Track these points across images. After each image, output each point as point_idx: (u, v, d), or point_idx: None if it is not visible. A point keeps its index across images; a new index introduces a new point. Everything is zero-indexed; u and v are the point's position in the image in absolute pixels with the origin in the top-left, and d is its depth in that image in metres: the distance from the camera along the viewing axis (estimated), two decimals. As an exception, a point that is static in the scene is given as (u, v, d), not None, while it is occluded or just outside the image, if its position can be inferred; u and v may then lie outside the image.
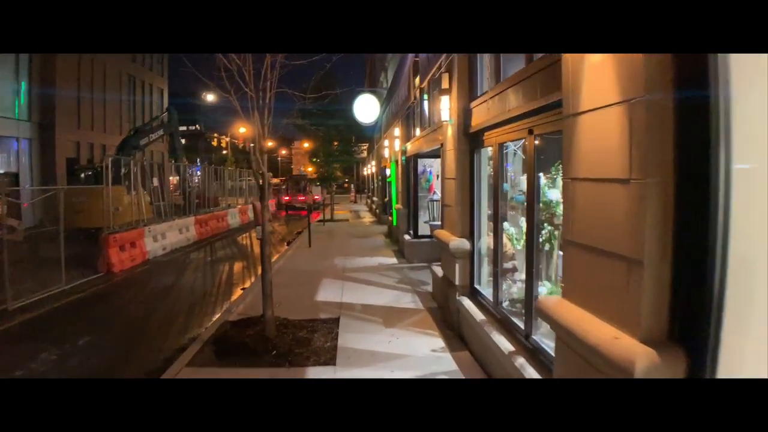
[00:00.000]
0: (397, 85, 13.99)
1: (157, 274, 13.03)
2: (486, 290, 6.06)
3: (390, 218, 16.44)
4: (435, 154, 11.93)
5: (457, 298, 6.31)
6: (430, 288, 9.20)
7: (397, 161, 14.70)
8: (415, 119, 12.28)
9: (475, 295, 6.18)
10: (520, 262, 6.14)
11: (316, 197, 34.71)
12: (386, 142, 17.50)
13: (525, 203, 6.18)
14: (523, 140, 5.31)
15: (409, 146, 12.72)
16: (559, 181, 5.07)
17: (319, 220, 24.55)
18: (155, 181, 18.78)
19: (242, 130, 68.51)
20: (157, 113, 43.68)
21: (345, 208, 37.33)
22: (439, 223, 13.24)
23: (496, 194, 5.33)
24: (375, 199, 28.64)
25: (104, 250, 13.22)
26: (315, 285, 9.95)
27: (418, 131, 11.93)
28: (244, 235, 21.69)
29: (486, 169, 6.28)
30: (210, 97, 57.50)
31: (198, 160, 47.79)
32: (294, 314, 7.72)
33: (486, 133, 5.60)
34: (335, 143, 25.15)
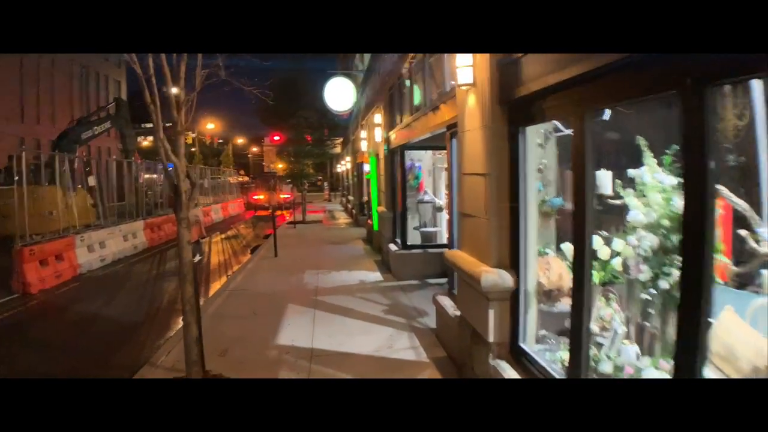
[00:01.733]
0: (378, 62, 11.68)
1: (83, 296, 10.49)
2: (540, 354, 3.81)
3: (370, 222, 14.11)
4: (425, 145, 9.69)
5: (491, 362, 4.03)
6: (430, 321, 6.93)
7: (377, 155, 12.40)
8: (402, 102, 10.00)
9: (520, 360, 3.91)
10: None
11: (286, 196, 32.35)
12: (363, 133, 15.17)
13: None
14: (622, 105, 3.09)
15: (393, 135, 10.44)
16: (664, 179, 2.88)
17: (290, 222, 22.08)
18: (91, 180, 16.02)
19: (210, 126, 65.49)
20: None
21: (318, 207, 34.91)
22: (431, 229, 11.02)
23: (582, 192, 3.06)
24: (351, 198, 26.26)
25: (18, 266, 10.65)
26: (277, 316, 7.58)
27: (403, 119, 9.68)
28: (205, 239, 19.10)
29: (535, 159, 4.03)
30: (174, 90, 54.65)
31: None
32: (244, 370, 5.39)
33: (552, 97, 3.32)
34: (307, 137, 22.62)
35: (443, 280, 9.61)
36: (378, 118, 11.39)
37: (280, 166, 27.89)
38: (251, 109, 23.48)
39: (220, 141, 70.33)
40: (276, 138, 22.93)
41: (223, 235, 20.30)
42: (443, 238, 11.01)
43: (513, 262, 4.13)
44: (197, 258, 5.26)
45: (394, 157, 10.64)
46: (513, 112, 3.96)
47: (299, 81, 21.70)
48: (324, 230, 19.71)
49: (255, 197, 35.26)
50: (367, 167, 13.83)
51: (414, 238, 10.41)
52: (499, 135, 4.10)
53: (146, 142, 72.21)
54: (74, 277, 12.22)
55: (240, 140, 76.43)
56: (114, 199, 19.32)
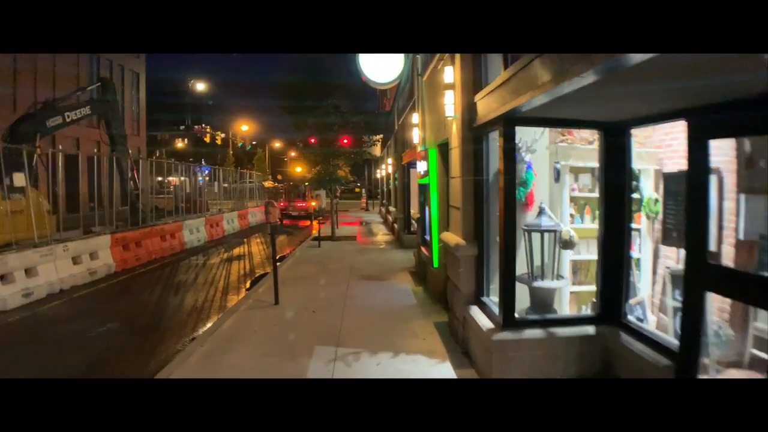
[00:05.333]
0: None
1: None
2: None
3: (426, 252, 9.00)
4: (555, 117, 4.70)
5: None
6: None
7: (446, 144, 7.38)
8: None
9: None
10: None
11: (314, 204, 27.92)
12: (416, 117, 10.21)
13: None
14: None
15: (486, 101, 5.42)
16: None
17: (315, 238, 17.21)
18: (17, 179, 11.41)
19: (244, 128, 61.84)
20: (132, 101, 36.86)
21: (354, 217, 30.15)
22: (552, 284, 5.82)
23: None
24: (392, 209, 21.25)
25: None
26: None
27: (514, 61, 4.71)
28: (197, 261, 14.46)
29: None
30: (200, 87, 50.94)
31: (202, 160, 40.88)
32: None
33: None
34: (343, 140, 17.74)
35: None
36: (449, 73, 6.29)
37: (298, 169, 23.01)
38: (278, 102, 18.43)
39: (254, 143, 66.67)
40: (313, 141, 17.79)
41: (225, 255, 15.59)
42: (564, 300, 5.94)
43: None
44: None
45: (485, 142, 5.60)
46: None
47: (328, 61, 16.83)
48: (357, 252, 14.76)
49: (282, 204, 30.88)
50: (422, 166, 8.77)
51: (522, 297, 5.33)
52: None
53: (180, 143, 69.34)
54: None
55: (277, 144, 72.55)
56: (94, 205, 14.88)
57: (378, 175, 34.62)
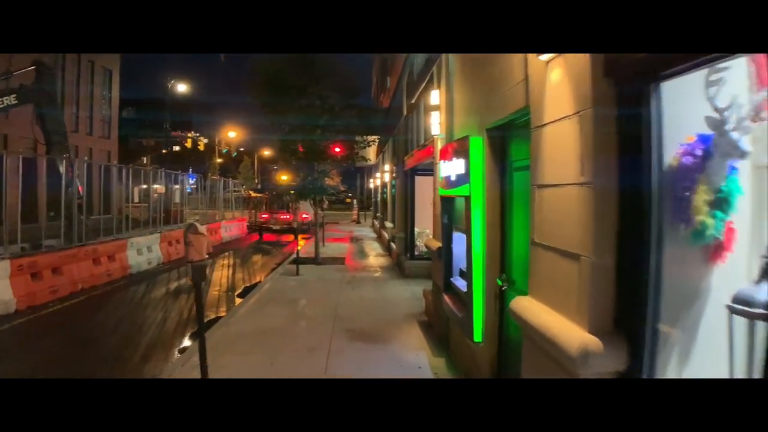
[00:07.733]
0: None
1: None
2: None
3: (453, 305, 5.60)
4: None
5: None
6: None
7: (505, 126, 4.12)
8: None
9: None
10: None
11: (304, 216, 24.49)
12: (435, 96, 6.98)
13: None
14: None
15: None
16: None
17: (294, 260, 13.76)
18: None
19: (232, 134, 58.43)
20: (103, 101, 33.39)
21: (344, 231, 26.89)
22: None
23: None
24: (388, 225, 17.89)
25: None
26: None
27: None
28: (135, 293, 11.03)
29: None
30: (181, 87, 47.35)
31: (191, 168, 37.34)
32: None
33: None
34: (334, 147, 14.48)
35: None
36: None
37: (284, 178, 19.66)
38: (251, 93, 14.86)
39: (240, 149, 63.37)
40: (300, 150, 14.23)
41: (175, 285, 12.14)
42: None
43: None
44: None
45: (653, 101, 2.31)
46: None
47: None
48: (345, 285, 11.37)
49: (263, 216, 27.48)
50: (453, 167, 5.36)
51: None
52: None
53: (166, 150, 65.61)
54: None
55: (267, 152, 69.28)
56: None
57: (372, 185, 31.30)
